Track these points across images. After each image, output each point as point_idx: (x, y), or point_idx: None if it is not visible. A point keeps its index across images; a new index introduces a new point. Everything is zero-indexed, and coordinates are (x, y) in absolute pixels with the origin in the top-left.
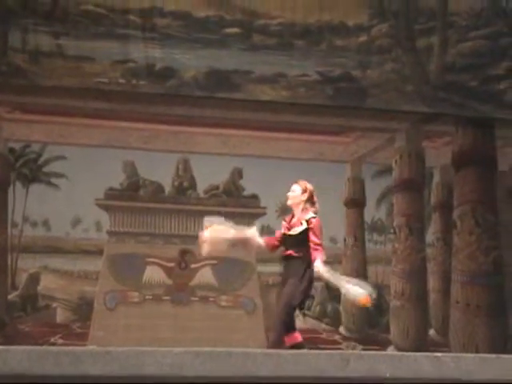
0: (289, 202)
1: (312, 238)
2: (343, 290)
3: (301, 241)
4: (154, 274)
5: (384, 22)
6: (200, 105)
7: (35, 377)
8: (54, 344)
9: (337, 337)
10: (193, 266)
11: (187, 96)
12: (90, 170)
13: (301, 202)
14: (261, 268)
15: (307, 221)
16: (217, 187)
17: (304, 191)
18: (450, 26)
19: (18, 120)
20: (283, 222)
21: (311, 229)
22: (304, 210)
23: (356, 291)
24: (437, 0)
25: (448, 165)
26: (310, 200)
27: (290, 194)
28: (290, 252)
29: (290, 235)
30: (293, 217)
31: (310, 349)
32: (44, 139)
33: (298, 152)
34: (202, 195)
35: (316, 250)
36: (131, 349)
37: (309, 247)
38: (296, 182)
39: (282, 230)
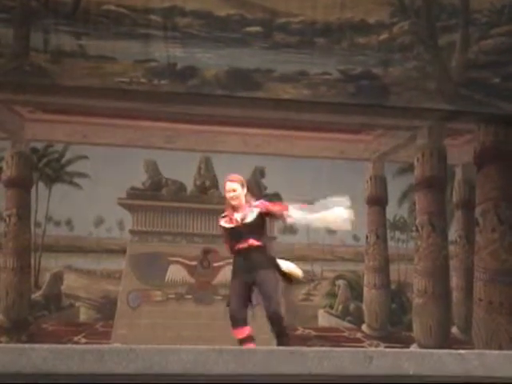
0: (235, 203)
1: (270, 208)
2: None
3: (257, 228)
4: (176, 273)
5: (405, 20)
6: (221, 104)
7: (60, 375)
8: (77, 343)
9: (359, 335)
10: (215, 264)
11: (209, 95)
12: (112, 169)
13: (242, 196)
14: None
15: (256, 206)
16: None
17: (243, 185)
18: (472, 23)
19: (41, 120)
20: (222, 220)
21: (265, 208)
22: (247, 201)
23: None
24: None
25: (470, 162)
26: (247, 190)
27: (231, 194)
28: (250, 242)
29: (245, 224)
30: (233, 212)
31: (333, 347)
32: (66, 139)
33: (319, 150)
34: (223, 194)
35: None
36: (155, 347)
37: (265, 235)
38: (230, 181)
39: (226, 225)
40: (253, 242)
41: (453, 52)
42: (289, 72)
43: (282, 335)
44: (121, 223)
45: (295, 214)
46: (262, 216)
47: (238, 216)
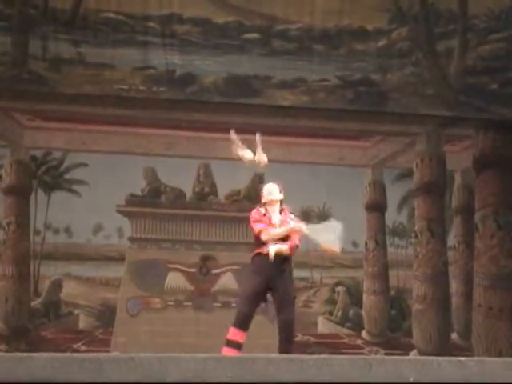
0: (277, 198)
1: (296, 236)
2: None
3: (286, 238)
4: (175, 280)
5: (403, 26)
6: (220, 110)
7: (59, 383)
8: (76, 350)
9: (359, 341)
10: (214, 271)
11: (207, 102)
12: (111, 176)
13: (279, 202)
14: None
15: (293, 220)
16: (238, 192)
17: (280, 191)
18: (470, 29)
19: (39, 128)
20: (260, 218)
21: (296, 232)
22: (281, 209)
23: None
24: (456, 3)
25: (469, 168)
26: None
27: (279, 196)
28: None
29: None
30: (272, 213)
31: (333, 354)
32: (65, 146)
33: (318, 157)
34: (222, 201)
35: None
36: (154, 355)
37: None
38: (268, 182)
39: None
40: (282, 248)
41: (451, 58)
42: (287, 78)
43: (290, 342)
44: (120, 230)
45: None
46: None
47: (276, 220)
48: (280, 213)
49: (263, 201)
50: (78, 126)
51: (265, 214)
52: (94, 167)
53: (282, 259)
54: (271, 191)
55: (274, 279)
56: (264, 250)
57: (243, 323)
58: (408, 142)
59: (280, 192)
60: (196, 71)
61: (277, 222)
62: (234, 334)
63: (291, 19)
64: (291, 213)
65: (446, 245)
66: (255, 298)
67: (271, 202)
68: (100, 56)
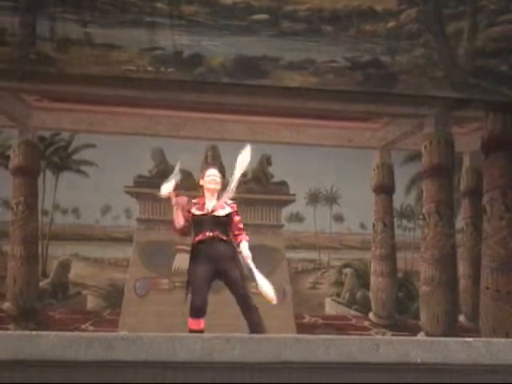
0: (217, 187)
1: (236, 219)
2: (259, 282)
3: (224, 224)
4: (183, 261)
5: (413, 7)
6: (228, 92)
7: (67, 362)
8: (84, 331)
9: (366, 323)
10: None
11: (215, 83)
12: (119, 157)
13: (219, 187)
14: (290, 255)
15: (229, 205)
16: (245, 174)
17: (221, 177)
18: (480, 11)
19: (47, 108)
20: (194, 207)
21: (235, 212)
22: (220, 196)
23: (268, 288)
24: None
25: (477, 150)
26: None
27: (216, 178)
28: (216, 234)
29: (214, 216)
30: (205, 201)
31: (340, 335)
32: (73, 127)
33: (326, 138)
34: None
35: (241, 234)
36: (162, 335)
37: (229, 231)
38: (214, 169)
39: (196, 212)
40: (219, 234)
41: (460, 39)
42: (296, 60)
43: (252, 311)
44: (128, 211)
45: (246, 251)
46: (231, 217)
47: (209, 206)
48: (218, 199)
49: (201, 183)
50: (86, 107)
51: (195, 204)
52: (101, 148)
53: (222, 241)
54: (210, 178)
55: (219, 263)
56: (204, 236)
57: (200, 312)
58: (416, 123)
59: (217, 182)
60: (204, 52)
61: (209, 207)
62: (194, 323)
63: (300, 0)
64: (232, 199)
65: (453, 227)
66: (207, 286)
67: (208, 189)
68: (107, 37)
